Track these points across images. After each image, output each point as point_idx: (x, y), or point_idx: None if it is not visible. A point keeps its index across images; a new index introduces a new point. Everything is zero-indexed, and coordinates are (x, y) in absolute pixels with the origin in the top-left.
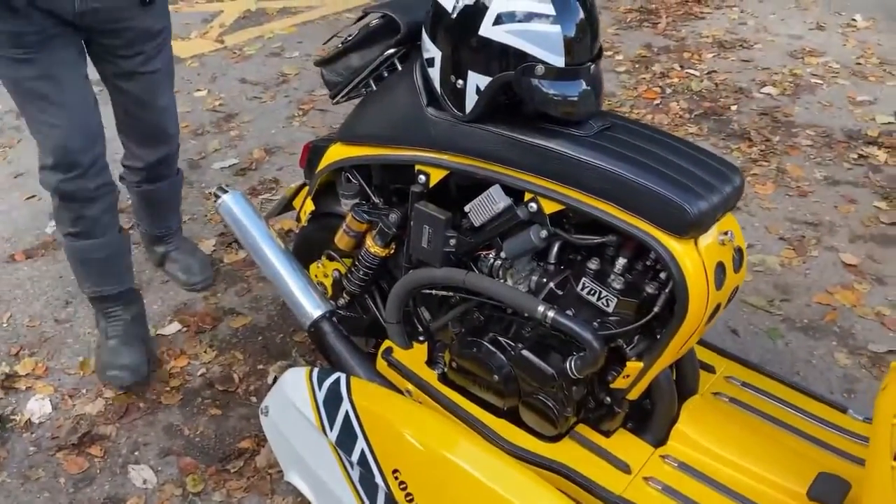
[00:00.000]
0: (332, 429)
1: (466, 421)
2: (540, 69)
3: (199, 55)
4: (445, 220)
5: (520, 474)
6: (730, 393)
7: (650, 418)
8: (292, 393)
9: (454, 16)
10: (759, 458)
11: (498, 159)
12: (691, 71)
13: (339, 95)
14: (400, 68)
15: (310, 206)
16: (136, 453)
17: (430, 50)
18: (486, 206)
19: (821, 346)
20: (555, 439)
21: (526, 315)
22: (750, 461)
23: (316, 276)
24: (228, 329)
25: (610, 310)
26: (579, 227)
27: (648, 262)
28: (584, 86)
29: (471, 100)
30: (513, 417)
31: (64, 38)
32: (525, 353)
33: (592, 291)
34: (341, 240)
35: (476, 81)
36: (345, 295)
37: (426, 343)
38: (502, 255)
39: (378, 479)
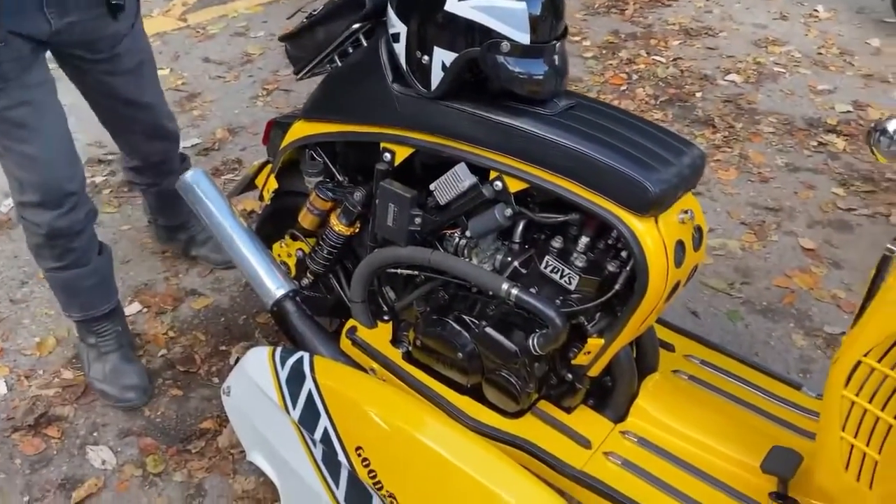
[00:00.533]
0: (294, 407)
1: (430, 398)
2: (505, 46)
3: (161, 33)
4: (411, 198)
5: (481, 449)
6: (689, 371)
7: (611, 395)
8: (254, 372)
9: None
10: (715, 433)
11: (463, 137)
12: (657, 58)
13: (304, 71)
14: (365, 44)
15: (273, 185)
16: (95, 434)
17: (396, 25)
18: (452, 184)
19: (779, 328)
20: (517, 415)
21: (490, 293)
22: (706, 436)
23: (279, 255)
24: (190, 310)
25: (572, 287)
26: (544, 206)
27: (611, 241)
28: (549, 64)
29: (436, 76)
30: (476, 394)
31: (36, 58)
32: (488, 330)
33: (555, 269)
34: (305, 218)
35: (442, 57)
36: (308, 275)
37: (391, 322)
38: (467, 233)
39: (341, 457)
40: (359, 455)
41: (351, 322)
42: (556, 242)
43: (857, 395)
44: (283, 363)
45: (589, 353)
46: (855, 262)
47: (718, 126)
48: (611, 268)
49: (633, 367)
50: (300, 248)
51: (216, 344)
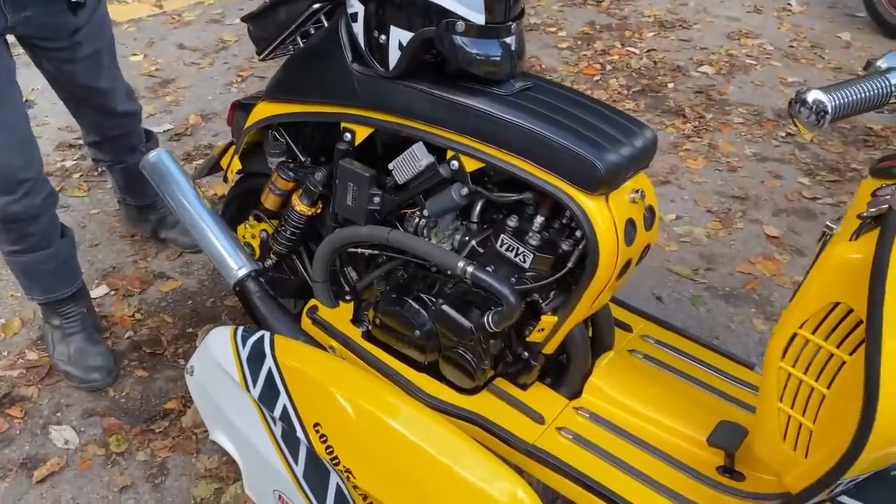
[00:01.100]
0: (255, 386)
1: (388, 375)
2: (461, 26)
3: (136, 19)
4: (370, 177)
5: (435, 424)
6: (644, 350)
7: (566, 373)
8: (217, 352)
9: None
10: (665, 409)
11: (420, 116)
12: (632, 49)
13: (266, 52)
14: (326, 24)
15: (237, 165)
16: (59, 414)
17: (354, 5)
18: (410, 163)
19: (740, 313)
20: (473, 392)
21: (448, 272)
22: (657, 412)
23: (244, 237)
24: (158, 293)
25: (526, 265)
26: (500, 185)
27: (565, 220)
28: (505, 45)
29: (394, 56)
30: (433, 372)
31: None
32: (445, 308)
33: (510, 248)
34: (267, 199)
35: (398, 37)
36: (272, 255)
37: (352, 302)
38: (425, 213)
39: (300, 434)
40: (317, 431)
41: (312, 301)
42: (512, 221)
43: (793, 366)
44: (244, 342)
45: (543, 330)
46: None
47: (689, 116)
48: (565, 246)
49: (587, 346)
50: (264, 229)
51: (183, 326)
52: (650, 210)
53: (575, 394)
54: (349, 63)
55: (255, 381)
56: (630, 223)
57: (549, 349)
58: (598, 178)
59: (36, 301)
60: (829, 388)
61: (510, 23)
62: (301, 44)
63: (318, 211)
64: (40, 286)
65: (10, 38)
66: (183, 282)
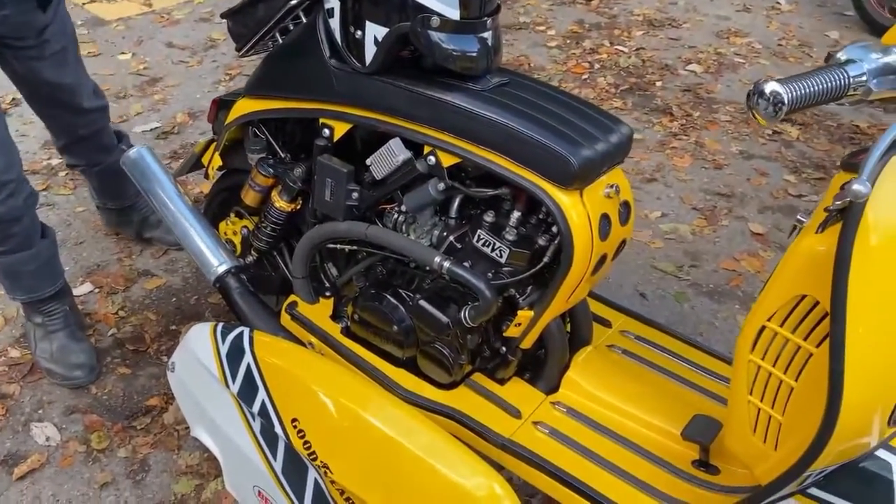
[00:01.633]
0: (234, 382)
1: (366, 371)
2: (435, 21)
3: (124, 18)
4: (347, 173)
5: (411, 418)
6: (622, 345)
7: (543, 367)
8: (197, 348)
9: None
10: (641, 403)
11: (397, 112)
12: (620, 47)
13: (245, 48)
14: (304, 20)
15: (217, 162)
16: (40, 411)
17: (331, 0)
18: (387, 159)
19: (724, 310)
20: (451, 387)
21: (426, 268)
22: (633, 406)
23: (225, 233)
24: (142, 290)
25: (503, 260)
26: (477, 181)
27: (541, 215)
28: (481, 41)
29: (370, 51)
30: (411, 367)
31: None
32: (423, 303)
33: (487, 243)
34: (247, 195)
35: (374, 32)
36: (253, 252)
37: (332, 298)
38: (403, 208)
39: (277, 429)
40: (294, 427)
41: (291, 297)
42: (489, 217)
43: (762, 359)
44: (223, 338)
45: (520, 324)
46: None
47: (676, 114)
48: (541, 241)
49: (564, 340)
50: (245, 226)
51: (167, 324)
52: (625, 205)
53: (552, 388)
54: (327, 59)
55: (234, 377)
56: (605, 218)
57: (527, 344)
58: (571, 174)
59: (18, 300)
60: (797, 380)
61: (486, 18)
62: (280, 40)
63: (298, 207)
64: (22, 286)
65: None
66: (167, 279)
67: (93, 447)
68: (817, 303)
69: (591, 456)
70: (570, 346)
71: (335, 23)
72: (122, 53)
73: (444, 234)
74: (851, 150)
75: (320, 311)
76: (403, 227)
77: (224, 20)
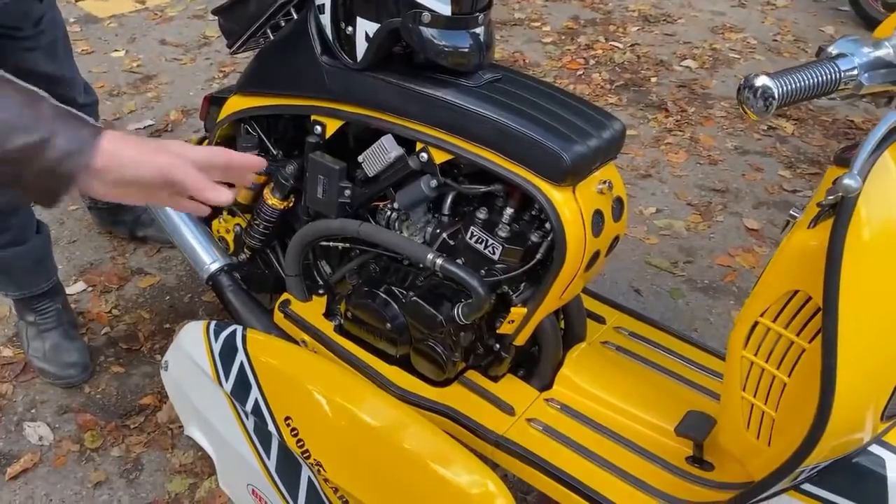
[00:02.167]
0: (227, 380)
1: (359, 369)
2: (427, 16)
3: (117, 15)
4: (339, 170)
5: (405, 415)
6: (617, 342)
7: (537, 364)
8: (190, 346)
9: None
10: (635, 399)
11: (389, 108)
12: (615, 43)
13: (237, 45)
14: (296, 16)
15: None
16: (33, 411)
17: None
18: (379, 155)
19: (719, 305)
20: (444, 384)
21: (419, 265)
22: (627, 403)
23: (218, 231)
24: (136, 289)
25: (496, 257)
26: (470, 177)
27: (534, 212)
28: (473, 36)
29: (361, 47)
30: (404, 364)
31: None
32: (416, 300)
33: (480, 240)
34: (239, 192)
35: (365, 28)
36: (246, 250)
37: (325, 296)
38: (395, 205)
39: (271, 427)
40: (287, 425)
41: (284, 295)
42: (482, 214)
43: (755, 354)
44: (216, 336)
45: (513, 321)
46: None
47: (671, 110)
48: (534, 238)
49: (558, 337)
50: (238, 224)
51: (160, 322)
52: (618, 201)
53: (546, 385)
54: (318, 55)
55: (227, 376)
56: (598, 214)
57: (520, 341)
58: (564, 169)
59: (10, 297)
60: (789, 376)
61: (477, 13)
62: (271, 36)
63: (290, 205)
64: (15, 282)
65: None
66: (161, 278)
67: (86, 446)
68: (810, 298)
69: (585, 453)
70: (563, 343)
71: (326, 19)
72: (116, 51)
73: (437, 231)
74: (846, 144)
75: (313, 309)
76: (396, 225)
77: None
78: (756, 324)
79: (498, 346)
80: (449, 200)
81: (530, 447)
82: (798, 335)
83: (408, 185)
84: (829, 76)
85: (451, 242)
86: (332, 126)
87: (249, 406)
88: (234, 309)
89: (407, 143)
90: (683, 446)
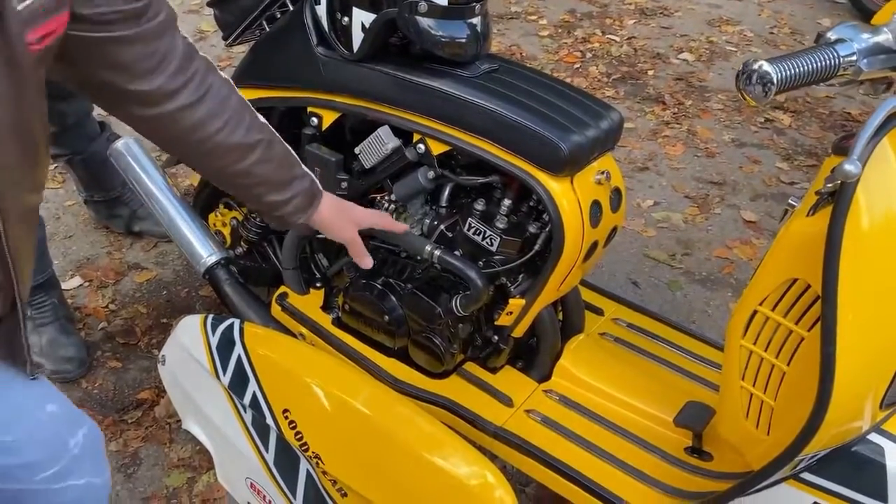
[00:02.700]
0: (224, 373)
1: (358, 361)
2: (423, 6)
3: None
4: (336, 162)
5: (403, 407)
6: (615, 333)
7: (535, 356)
8: (187, 340)
9: None
10: (634, 390)
11: (386, 99)
12: (612, 36)
13: (232, 37)
14: (291, 8)
15: None
16: None
17: None
18: (376, 147)
19: (717, 297)
20: (442, 376)
21: (417, 257)
22: (626, 393)
23: (215, 225)
24: (132, 283)
25: (494, 249)
26: (467, 169)
27: (532, 203)
28: (470, 26)
29: (357, 38)
30: (403, 357)
31: None
32: (414, 292)
33: (478, 231)
34: None
35: (361, 18)
36: (243, 243)
37: (322, 289)
38: (392, 197)
39: (269, 420)
40: (286, 417)
41: (282, 288)
42: (479, 205)
43: (753, 343)
44: (213, 330)
45: (511, 313)
46: None
47: (668, 103)
48: (532, 229)
49: (556, 329)
50: (234, 217)
51: (157, 316)
52: (616, 192)
53: (544, 377)
54: (314, 47)
55: (224, 369)
56: (595, 205)
57: (519, 332)
58: (561, 160)
59: None
60: (788, 364)
61: (474, 3)
62: (267, 28)
63: None
64: None
65: None
66: (158, 272)
67: None
68: (809, 286)
69: (584, 444)
70: (562, 335)
71: (322, 10)
72: None
73: (435, 222)
74: (844, 134)
75: (311, 302)
76: (394, 216)
77: (212, 12)
78: (755, 312)
79: (496, 337)
80: (447, 192)
81: (529, 438)
82: (797, 323)
83: (405, 177)
84: (827, 62)
85: (449, 234)
86: (329, 118)
87: (247, 399)
88: (232, 302)
89: (404, 134)
90: (682, 437)
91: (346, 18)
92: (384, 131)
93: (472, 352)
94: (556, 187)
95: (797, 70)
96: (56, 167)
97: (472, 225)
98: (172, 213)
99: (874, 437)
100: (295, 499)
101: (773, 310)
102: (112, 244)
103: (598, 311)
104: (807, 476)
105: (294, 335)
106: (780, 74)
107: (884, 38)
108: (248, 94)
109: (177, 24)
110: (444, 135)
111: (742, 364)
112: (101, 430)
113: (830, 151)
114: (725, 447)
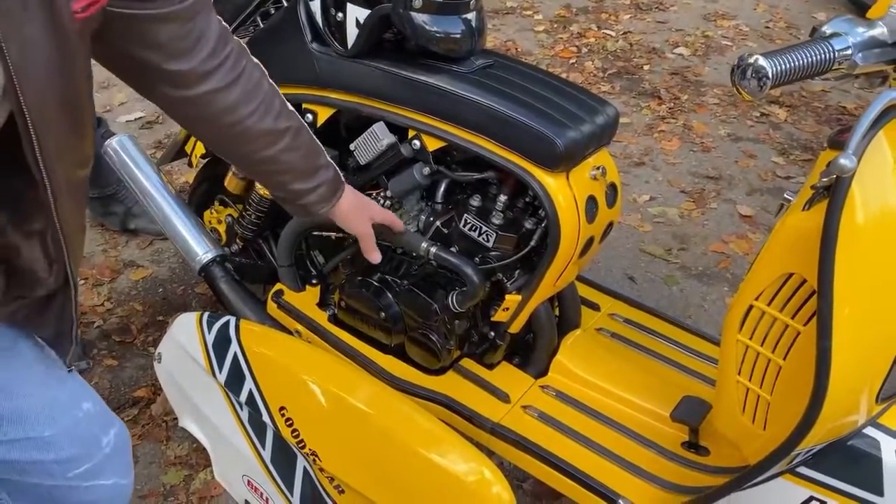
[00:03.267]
0: (221, 371)
1: (354, 358)
2: (417, 2)
3: None
4: (331, 158)
5: (400, 404)
6: (611, 328)
7: (532, 351)
8: (183, 338)
9: None
10: (630, 385)
11: (381, 95)
12: (608, 31)
13: None
14: (286, 4)
15: (200, 150)
16: None
17: None
18: (371, 143)
19: (713, 292)
20: (439, 372)
21: (413, 253)
22: (622, 389)
23: (210, 222)
24: (128, 281)
25: (490, 245)
26: (463, 165)
27: (527, 199)
28: (464, 22)
29: (352, 34)
30: (399, 353)
31: None
32: (410, 289)
33: (474, 227)
34: (230, 182)
35: (355, 14)
36: (238, 240)
37: (318, 286)
38: (388, 193)
39: (266, 418)
40: (282, 415)
41: (277, 286)
42: (475, 201)
43: (749, 338)
44: (209, 327)
45: (507, 309)
46: None
47: (664, 98)
48: (528, 225)
49: (552, 324)
50: (229, 214)
51: (153, 314)
52: (612, 187)
53: (541, 372)
54: (309, 43)
55: (220, 367)
56: (591, 200)
57: (515, 328)
58: (557, 155)
59: None
60: (785, 359)
61: None
62: (261, 24)
63: None
64: None
65: None
66: (153, 270)
67: None
68: (804, 281)
69: (580, 439)
70: (558, 330)
71: (316, 6)
72: None
73: (431, 219)
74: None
75: (307, 299)
76: None
77: None
78: (751, 307)
79: (493, 333)
80: (442, 188)
81: (526, 434)
82: (793, 318)
83: (400, 173)
84: (823, 56)
85: (445, 230)
86: (324, 114)
87: (244, 397)
88: (227, 300)
89: (399, 130)
90: (679, 431)
91: (340, 14)
92: (379, 127)
93: (468, 348)
94: (551, 183)
95: (792, 64)
96: None
97: (468, 221)
98: (168, 210)
99: (870, 431)
100: (292, 496)
101: (769, 304)
102: (107, 242)
103: (595, 307)
104: (803, 470)
105: (290, 332)
106: (775, 69)
107: (879, 31)
108: None
109: (212, 6)
110: (439, 131)
111: (738, 359)
112: (129, 432)
113: (826, 146)
114: (722, 442)
